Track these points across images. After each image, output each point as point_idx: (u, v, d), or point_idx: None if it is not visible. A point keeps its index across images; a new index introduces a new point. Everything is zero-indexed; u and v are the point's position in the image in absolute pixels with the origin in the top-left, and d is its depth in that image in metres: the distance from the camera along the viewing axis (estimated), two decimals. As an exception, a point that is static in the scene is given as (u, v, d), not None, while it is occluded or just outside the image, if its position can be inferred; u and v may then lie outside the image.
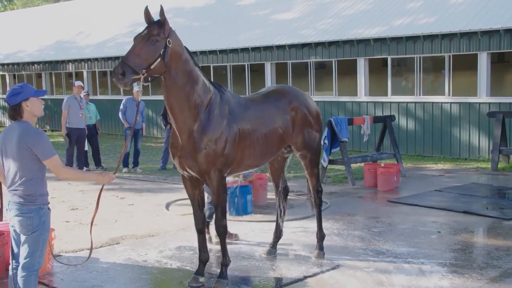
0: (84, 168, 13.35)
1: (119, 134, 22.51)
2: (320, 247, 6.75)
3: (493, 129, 13.47)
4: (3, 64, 28.68)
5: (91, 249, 5.18)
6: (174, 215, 9.02)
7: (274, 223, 7.01)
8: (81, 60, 24.67)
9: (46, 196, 4.58)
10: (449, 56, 15.17)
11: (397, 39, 15.90)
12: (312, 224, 7.68)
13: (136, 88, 12.59)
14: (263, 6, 22.28)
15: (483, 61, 14.59)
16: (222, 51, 20.07)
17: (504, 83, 17.86)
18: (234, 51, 19.73)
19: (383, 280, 5.92)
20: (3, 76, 29.25)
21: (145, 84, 5.27)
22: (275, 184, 6.97)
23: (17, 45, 30.03)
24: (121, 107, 13.83)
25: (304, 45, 17.87)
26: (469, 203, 9.51)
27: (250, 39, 19.67)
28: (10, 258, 4.67)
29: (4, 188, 4.87)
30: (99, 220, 8.15)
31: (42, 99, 4.65)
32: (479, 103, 14.76)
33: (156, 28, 5.14)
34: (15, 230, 4.56)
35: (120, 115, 13.87)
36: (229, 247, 6.16)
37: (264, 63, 19.19)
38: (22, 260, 4.50)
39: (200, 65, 5.79)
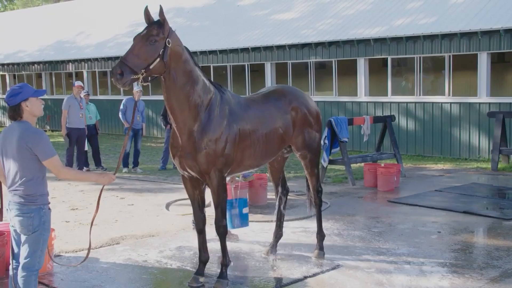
0: (84, 168, 13.35)
1: (119, 134, 22.52)
2: (320, 247, 6.75)
3: (493, 129, 13.47)
4: (3, 64, 28.68)
5: (89, 249, 5.18)
6: (174, 215, 9.02)
7: (274, 223, 7.01)
8: (81, 60, 24.68)
9: (47, 196, 4.58)
10: (449, 56, 15.17)
11: (397, 39, 15.90)
12: (312, 224, 7.68)
13: (136, 88, 12.58)
14: (263, 6, 22.28)
15: (483, 61, 14.59)
16: (222, 51, 20.07)
17: (504, 83, 17.87)
18: (234, 51, 19.73)
19: (383, 280, 5.92)
20: (3, 76, 29.26)
21: (145, 84, 5.27)
22: (275, 184, 6.97)
23: (17, 45, 30.04)
24: (121, 107, 13.83)
25: (304, 45, 17.87)
26: (469, 203, 9.51)
27: (250, 39, 19.67)
28: (11, 258, 4.68)
29: (4, 188, 4.87)
30: (99, 220, 8.15)
31: (42, 99, 4.65)
32: (479, 103, 14.76)
33: (156, 28, 5.14)
34: (15, 230, 4.56)
35: (120, 115, 13.87)
36: (229, 247, 6.16)
37: (264, 63, 19.19)
38: (22, 260, 4.50)
39: (200, 65, 5.78)
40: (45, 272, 6.09)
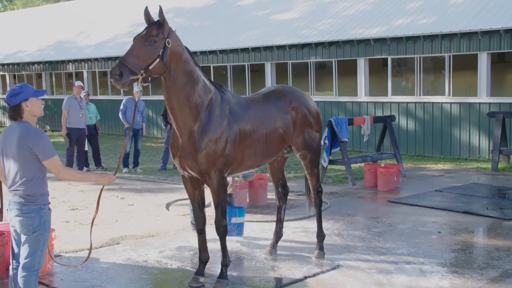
0: (84, 168, 13.35)
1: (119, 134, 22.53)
2: (320, 247, 6.75)
3: (493, 129, 13.47)
4: (3, 64, 28.68)
5: (90, 250, 5.18)
6: (174, 215, 9.01)
7: (274, 223, 7.02)
8: (81, 60, 24.68)
9: (47, 196, 4.58)
10: (449, 56, 15.17)
11: (397, 39, 15.90)
12: (312, 224, 7.68)
13: (136, 88, 12.59)
14: (263, 6, 22.28)
15: (483, 61, 14.59)
16: (222, 51, 20.07)
17: (504, 83, 17.87)
18: (234, 51, 19.73)
19: (383, 280, 5.92)
20: (3, 76, 29.26)
21: (145, 84, 5.27)
22: (275, 184, 6.97)
23: (17, 45, 30.04)
24: (121, 107, 13.83)
25: (304, 45, 17.87)
26: (469, 203, 9.51)
27: (250, 39, 19.67)
28: (11, 258, 4.68)
29: (4, 188, 4.87)
30: (99, 220, 8.15)
31: (42, 99, 4.65)
32: (479, 103, 14.76)
33: (155, 29, 5.13)
34: (15, 230, 4.56)
35: (120, 115, 13.87)
36: (229, 247, 6.16)
37: (264, 63, 19.19)
38: (22, 260, 4.50)
39: (200, 65, 5.78)
40: (45, 272, 6.08)
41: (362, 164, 12.34)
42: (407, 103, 16.06)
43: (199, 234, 5.93)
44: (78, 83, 13.31)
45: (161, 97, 5.87)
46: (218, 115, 5.57)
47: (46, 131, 23.45)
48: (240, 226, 7.39)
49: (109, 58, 23.33)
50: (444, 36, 15.05)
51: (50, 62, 25.96)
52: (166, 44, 5.14)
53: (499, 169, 12.99)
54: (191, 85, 5.40)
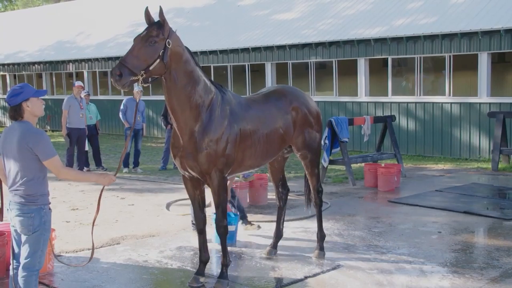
0: (85, 168, 13.35)
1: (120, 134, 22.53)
2: (321, 247, 6.76)
3: (494, 129, 13.47)
4: (3, 64, 28.69)
5: (92, 250, 5.17)
6: (175, 215, 9.02)
7: (274, 223, 7.02)
8: (81, 60, 24.69)
9: (47, 196, 4.58)
10: (450, 56, 15.17)
11: (397, 39, 15.90)
12: (313, 224, 7.68)
13: (136, 88, 12.60)
14: (264, 6, 22.29)
15: (484, 61, 14.59)
16: (222, 51, 20.08)
17: (504, 83, 17.87)
18: (234, 51, 19.74)
19: (383, 280, 5.92)
20: (4, 76, 29.27)
21: (145, 85, 5.26)
22: (275, 184, 6.97)
23: (18, 45, 30.05)
24: (122, 107, 13.83)
25: (304, 45, 17.87)
26: (469, 203, 9.51)
27: (250, 39, 19.68)
28: (11, 258, 4.68)
29: (5, 188, 4.87)
30: (100, 220, 8.13)
31: (43, 99, 4.65)
32: (480, 103, 14.76)
33: (156, 29, 5.12)
34: (16, 230, 4.56)
35: (120, 115, 13.88)
36: (229, 247, 6.16)
37: (264, 63, 19.19)
38: (22, 260, 4.50)
39: (200, 65, 5.78)
40: (45, 272, 6.08)
41: (363, 164, 12.34)
42: (407, 103, 16.06)
43: (200, 234, 5.93)
44: (78, 83, 13.31)
45: (162, 97, 5.87)
46: (219, 115, 5.57)
47: (46, 131, 23.45)
48: (232, 234, 7.01)
49: (109, 58, 23.34)
50: (444, 36, 15.05)
51: (51, 62, 25.97)
52: (167, 45, 5.13)
53: (499, 169, 12.99)
54: (192, 85, 5.40)
